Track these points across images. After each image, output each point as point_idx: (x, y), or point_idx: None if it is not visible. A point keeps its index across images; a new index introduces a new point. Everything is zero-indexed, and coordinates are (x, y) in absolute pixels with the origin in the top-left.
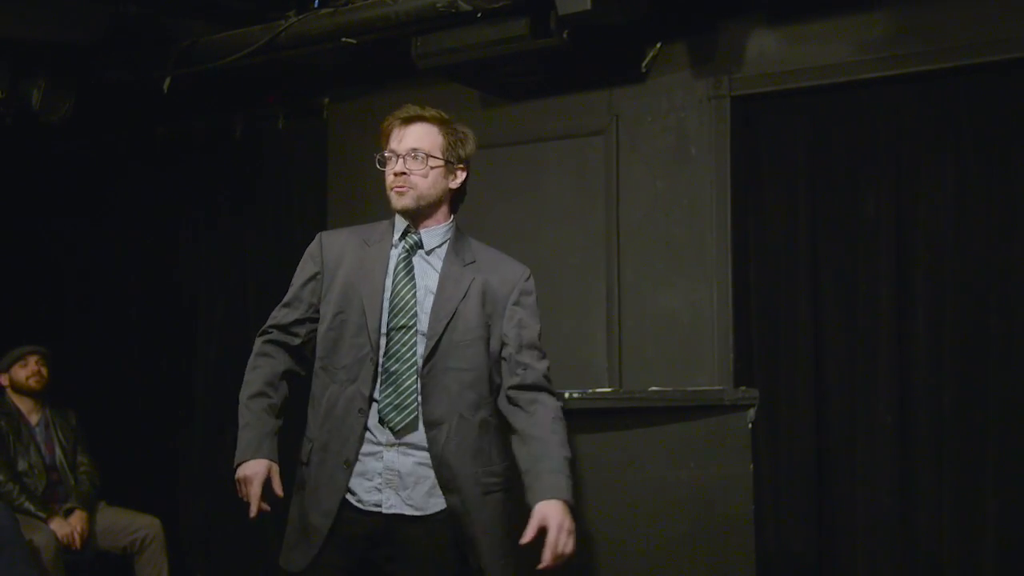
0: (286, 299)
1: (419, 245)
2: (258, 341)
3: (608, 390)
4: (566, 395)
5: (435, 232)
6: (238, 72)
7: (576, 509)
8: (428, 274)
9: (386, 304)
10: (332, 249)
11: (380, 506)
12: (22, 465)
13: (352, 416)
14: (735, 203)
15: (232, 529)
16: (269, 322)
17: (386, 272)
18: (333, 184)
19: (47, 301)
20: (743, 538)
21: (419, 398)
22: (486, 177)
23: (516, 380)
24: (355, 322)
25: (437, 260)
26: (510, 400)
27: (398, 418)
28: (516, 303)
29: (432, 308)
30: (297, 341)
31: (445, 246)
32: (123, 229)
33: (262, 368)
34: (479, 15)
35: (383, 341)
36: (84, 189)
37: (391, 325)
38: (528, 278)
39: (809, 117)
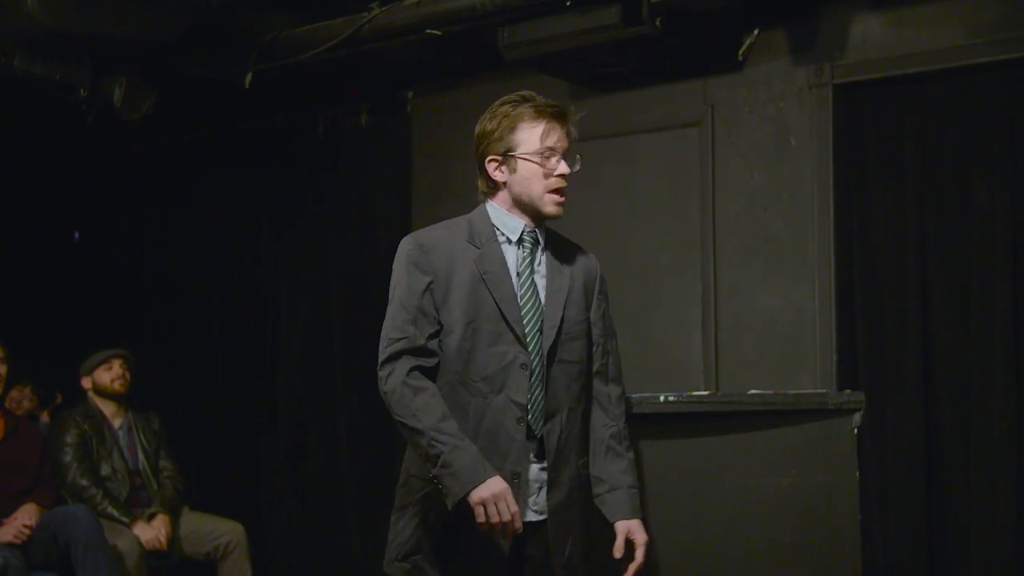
0: (409, 314)
1: (538, 242)
2: (398, 366)
3: (705, 393)
4: (660, 398)
5: (541, 229)
6: (321, 66)
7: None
8: (540, 272)
9: (519, 309)
10: (438, 254)
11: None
12: (105, 470)
13: (509, 426)
14: (838, 197)
15: (315, 535)
16: (399, 342)
17: (510, 274)
18: (417, 180)
19: (128, 302)
20: (849, 550)
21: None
22: (577, 170)
23: (602, 369)
24: (489, 330)
25: (543, 255)
26: (596, 390)
27: (540, 421)
28: (600, 292)
29: (547, 303)
30: (434, 361)
31: (543, 239)
32: (204, 228)
33: (430, 393)
34: (569, 3)
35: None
36: (165, 187)
37: (527, 329)
38: (598, 265)
39: (917, 106)
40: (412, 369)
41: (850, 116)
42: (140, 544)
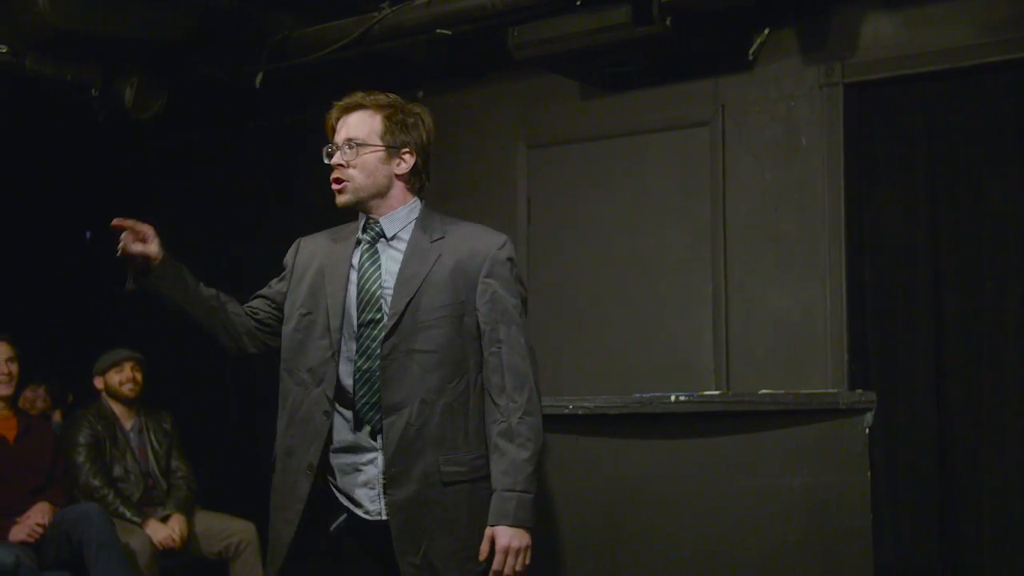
0: (252, 300)
1: (381, 234)
2: None
3: (716, 393)
4: (671, 398)
5: (395, 217)
6: (331, 66)
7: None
8: (395, 259)
9: (352, 301)
10: (305, 251)
11: (381, 514)
12: (118, 471)
13: (317, 419)
14: (849, 196)
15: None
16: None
17: (350, 268)
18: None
19: (140, 301)
20: (860, 550)
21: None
22: (586, 171)
23: (491, 358)
24: (321, 323)
25: (402, 244)
26: (486, 382)
27: (377, 416)
28: (488, 275)
29: (394, 288)
30: (254, 313)
31: (410, 227)
32: (215, 226)
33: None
34: (579, 3)
35: (355, 338)
36: (176, 187)
37: (361, 320)
38: (502, 246)
39: (928, 104)
40: None
41: (861, 115)
42: (152, 543)
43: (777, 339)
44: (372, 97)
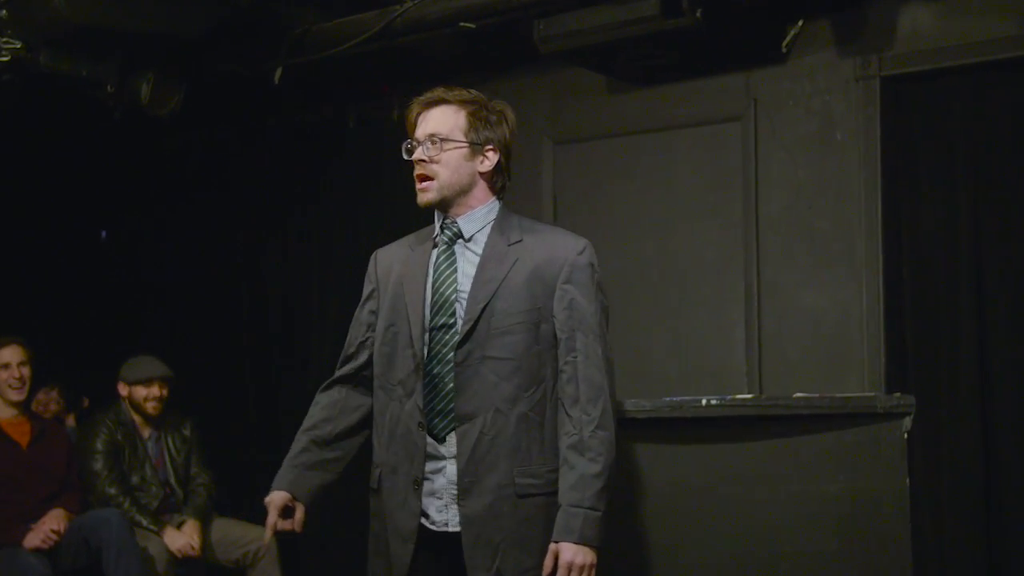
0: (352, 327)
1: (459, 235)
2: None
3: (748, 396)
4: (703, 402)
5: (473, 217)
6: (352, 61)
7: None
8: (471, 262)
9: (428, 305)
10: (384, 263)
11: (448, 525)
12: (135, 479)
13: (414, 432)
14: (886, 192)
15: (346, 541)
16: (342, 358)
17: (427, 273)
18: None
19: (155, 301)
20: (899, 559)
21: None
22: (615, 167)
23: (565, 367)
24: (404, 333)
25: (479, 246)
26: (560, 392)
27: (442, 424)
28: (567, 281)
29: (469, 292)
30: (356, 364)
31: (487, 229)
32: (235, 225)
33: (319, 404)
34: None
35: (426, 344)
36: (193, 184)
37: (432, 324)
38: (582, 251)
39: (968, 98)
40: (331, 381)
41: (898, 109)
42: (168, 549)
43: (812, 340)
44: (455, 92)
